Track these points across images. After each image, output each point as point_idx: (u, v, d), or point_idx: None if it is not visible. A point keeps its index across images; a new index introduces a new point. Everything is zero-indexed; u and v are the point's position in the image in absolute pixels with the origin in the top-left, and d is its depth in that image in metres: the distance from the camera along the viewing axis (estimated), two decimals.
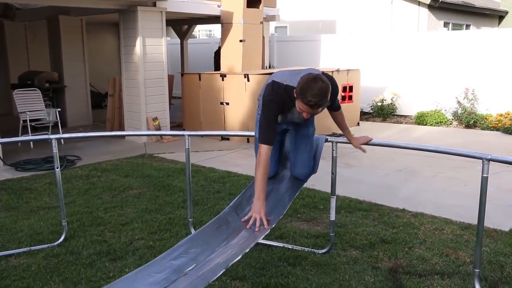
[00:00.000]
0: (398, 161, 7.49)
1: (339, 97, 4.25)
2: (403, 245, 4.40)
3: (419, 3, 14.25)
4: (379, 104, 11.60)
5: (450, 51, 11.06)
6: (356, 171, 7.06)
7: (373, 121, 11.42)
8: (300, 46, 13.39)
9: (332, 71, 9.83)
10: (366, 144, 3.96)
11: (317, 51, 12.97)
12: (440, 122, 10.75)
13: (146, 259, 4.16)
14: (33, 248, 4.48)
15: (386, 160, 7.52)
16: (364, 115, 11.70)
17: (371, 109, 11.80)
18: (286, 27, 17.27)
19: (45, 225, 5.06)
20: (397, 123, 11.24)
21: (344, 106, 10.03)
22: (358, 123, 10.75)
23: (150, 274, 2.85)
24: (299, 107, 3.23)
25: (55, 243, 4.57)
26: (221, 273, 2.79)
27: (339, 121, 3.96)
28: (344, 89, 10.17)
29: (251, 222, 3.26)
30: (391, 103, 11.60)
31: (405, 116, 11.65)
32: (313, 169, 3.96)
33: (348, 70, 10.26)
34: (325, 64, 12.64)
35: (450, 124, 10.78)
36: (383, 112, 11.56)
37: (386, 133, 9.96)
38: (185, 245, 3.18)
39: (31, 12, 11.33)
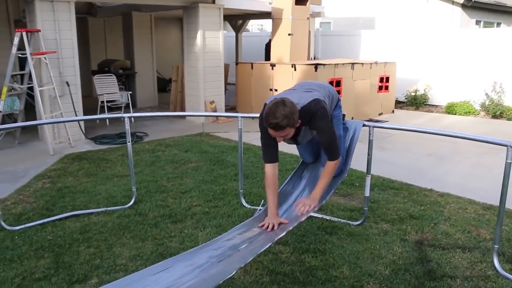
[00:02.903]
0: (428, 146, 7.33)
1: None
2: (429, 221, 4.34)
3: (453, 2, 13.74)
4: (413, 94, 11.34)
5: (480, 47, 10.64)
6: (389, 154, 6.97)
7: (407, 110, 11.18)
8: (342, 40, 13.18)
9: (371, 64, 9.68)
10: (303, 212, 3.21)
11: (357, 45, 12.74)
12: (469, 112, 10.42)
13: (202, 223, 4.27)
14: (109, 208, 4.65)
15: (417, 145, 7.38)
16: (399, 104, 11.47)
17: (405, 98, 11.55)
18: (330, 23, 16.98)
19: (118, 190, 5.22)
20: (429, 112, 10.95)
21: (381, 95, 10.00)
22: (393, 111, 10.56)
23: (208, 250, 2.88)
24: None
25: (126, 206, 4.72)
26: (268, 246, 2.82)
27: (322, 172, 3.36)
28: (381, 79, 10.00)
29: (266, 225, 3.11)
30: (424, 94, 11.32)
31: (436, 106, 11.35)
32: (342, 170, 3.72)
33: (385, 63, 10.07)
34: (364, 57, 12.42)
35: (478, 114, 10.44)
36: (416, 102, 11.29)
37: (418, 120, 9.74)
38: (240, 229, 3.20)
39: (110, 9, 11.58)
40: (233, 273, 2.48)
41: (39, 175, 5.86)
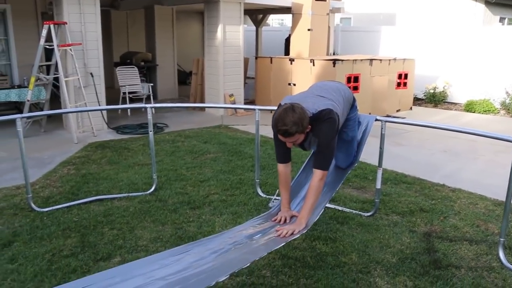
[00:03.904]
0: (444, 143, 7.41)
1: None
2: (439, 215, 4.45)
3: None
4: (432, 91, 11.38)
5: (503, 45, 10.61)
6: (405, 149, 7.08)
7: (425, 107, 11.23)
8: (362, 36, 13.25)
9: (389, 60, 9.77)
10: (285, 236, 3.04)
11: (377, 41, 12.79)
12: (488, 110, 10.43)
13: (219, 210, 4.48)
14: (130, 194, 4.89)
15: (433, 142, 7.47)
16: (417, 101, 11.52)
17: (424, 95, 11.59)
18: (350, 18, 17.02)
19: (140, 178, 5.46)
20: (447, 109, 10.99)
21: (399, 92, 10.09)
22: (411, 108, 10.62)
23: (224, 238, 3.03)
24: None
25: (147, 192, 4.94)
26: (282, 244, 2.94)
27: (307, 192, 3.20)
28: (400, 76, 10.08)
29: (279, 219, 3.26)
30: (443, 91, 11.35)
31: (455, 104, 11.37)
32: (353, 161, 3.84)
33: (404, 59, 10.13)
34: (383, 53, 12.48)
35: (498, 112, 10.44)
36: (435, 99, 11.33)
37: (436, 117, 9.80)
38: (254, 222, 3.35)
39: (132, 2, 11.82)
40: (247, 264, 2.64)
41: (65, 162, 6.15)
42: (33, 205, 4.45)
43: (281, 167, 3.31)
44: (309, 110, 3.02)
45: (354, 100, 3.65)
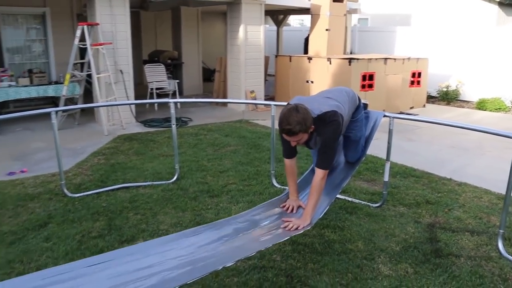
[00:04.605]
0: (452, 139, 7.37)
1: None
2: (444, 207, 4.46)
3: (490, 0, 13.44)
4: (444, 89, 11.25)
5: None
6: (415, 145, 7.07)
7: (438, 104, 11.11)
8: (378, 36, 13.16)
9: (403, 59, 9.72)
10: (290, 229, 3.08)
11: (392, 41, 12.70)
12: (499, 108, 10.27)
13: (236, 199, 4.58)
14: (154, 183, 5.04)
15: (442, 138, 7.43)
16: (431, 99, 11.41)
17: (437, 93, 11.46)
18: (367, 19, 16.92)
19: (164, 168, 5.60)
20: (460, 107, 10.85)
21: (412, 90, 10.03)
22: (424, 105, 10.54)
23: (235, 223, 3.12)
24: None
25: (170, 181, 5.08)
26: (286, 238, 3.03)
27: (310, 190, 3.20)
28: (413, 75, 10.01)
29: (287, 207, 3.33)
30: (455, 89, 11.21)
31: (467, 102, 11.23)
32: (361, 156, 3.87)
33: (418, 58, 10.05)
34: (398, 52, 12.39)
35: (509, 111, 10.26)
36: (447, 97, 11.21)
37: (448, 114, 9.71)
38: (264, 207, 3.42)
39: (160, 4, 11.88)
40: (253, 253, 2.74)
41: (95, 152, 6.34)
42: (66, 191, 4.63)
43: (287, 161, 3.39)
44: (314, 111, 3.04)
45: (359, 100, 3.66)
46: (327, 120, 3.07)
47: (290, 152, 3.34)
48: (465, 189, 5.03)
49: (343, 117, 3.18)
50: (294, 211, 3.30)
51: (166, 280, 2.32)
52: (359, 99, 3.68)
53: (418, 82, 10.15)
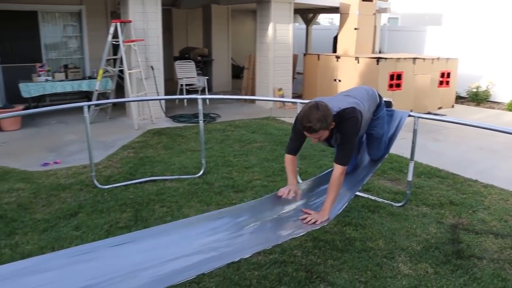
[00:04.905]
0: (481, 140, 7.18)
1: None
2: (468, 208, 4.38)
3: None
4: (474, 90, 10.99)
5: None
6: (441, 145, 6.95)
7: (467, 105, 10.85)
8: (408, 35, 12.95)
9: (432, 59, 9.54)
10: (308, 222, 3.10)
11: (422, 40, 12.47)
12: None
13: (260, 194, 4.59)
14: (181, 176, 5.12)
15: (470, 139, 7.26)
16: (460, 99, 11.16)
17: (467, 94, 11.20)
18: (397, 18, 16.65)
19: (190, 162, 5.67)
20: (490, 108, 10.57)
21: (441, 90, 9.85)
22: (453, 106, 10.33)
23: (255, 214, 3.14)
24: None
25: (196, 175, 5.15)
26: (303, 234, 3.03)
27: (329, 186, 3.19)
28: (442, 75, 9.82)
29: (285, 191, 3.14)
30: (486, 90, 10.93)
31: (498, 103, 10.93)
32: (384, 153, 3.85)
33: (447, 58, 9.85)
34: (428, 52, 12.15)
35: None
36: (477, 98, 10.94)
37: (477, 116, 9.49)
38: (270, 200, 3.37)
39: (191, 2, 12.05)
40: (270, 247, 2.79)
41: (125, 146, 6.48)
42: (96, 182, 4.76)
43: (288, 157, 3.30)
44: (333, 108, 3.04)
45: (380, 98, 3.64)
46: (346, 116, 3.07)
47: (295, 149, 3.29)
48: (491, 191, 4.91)
49: (362, 113, 3.17)
50: (291, 195, 3.13)
51: (185, 267, 2.37)
52: (380, 97, 3.65)
53: (447, 82, 9.95)
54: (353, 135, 3.13)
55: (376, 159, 3.89)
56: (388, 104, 4.04)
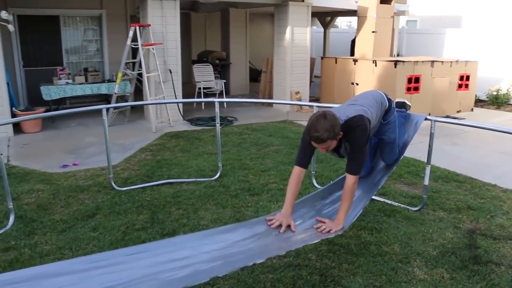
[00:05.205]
0: (501, 144, 7.07)
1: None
2: (486, 213, 4.32)
3: None
4: (494, 93, 10.81)
5: None
6: (460, 149, 6.86)
7: (487, 108, 10.69)
8: (426, 38, 12.81)
9: (451, 62, 9.43)
10: (322, 232, 3.06)
11: (441, 43, 12.32)
12: None
13: (276, 197, 4.62)
14: (198, 179, 5.16)
15: (489, 143, 7.16)
16: (479, 102, 10.99)
17: (486, 97, 11.04)
18: (416, 21, 16.48)
19: (207, 165, 5.71)
20: (510, 111, 10.40)
21: (460, 93, 9.73)
22: (472, 109, 10.19)
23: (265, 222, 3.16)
24: None
25: (213, 178, 5.18)
26: (317, 241, 3.04)
27: (342, 195, 3.15)
28: (461, 78, 9.69)
29: (275, 224, 3.04)
30: (506, 93, 10.73)
31: None
32: (398, 158, 3.76)
33: (467, 61, 9.72)
34: (447, 55, 12.00)
35: None
36: (498, 101, 10.75)
37: (497, 119, 9.35)
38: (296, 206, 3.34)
39: (210, 6, 12.14)
40: (283, 253, 2.80)
41: (143, 148, 6.55)
42: (113, 184, 4.83)
43: (297, 170, 3.13)
44: (341, 117, 3.01)
45: (390, 102, 3.56)
46: (354, 124, 3.03)
47: (305, 160, 3.14)
48: (510, 196, 4.84)
49: (370, 120, 3.13)
50: (281, 231, 2.99)
51: (198, 271, 2.41)
52: (390, 100, 3.59)
53: (466, 86, 9.82)
54: (363, 143, 3.09)
55: (391, 163, 3.85)
56: (402, 104, 3.99)
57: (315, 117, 2.90)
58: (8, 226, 3.90)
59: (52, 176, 5.29)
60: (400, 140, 3.80)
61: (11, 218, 3.99)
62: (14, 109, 7.64)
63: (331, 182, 3.95)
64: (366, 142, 3.14)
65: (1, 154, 3.87)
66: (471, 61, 9.81)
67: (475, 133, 7.67)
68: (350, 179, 3.08)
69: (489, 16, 13.84)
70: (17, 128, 7.47)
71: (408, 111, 4.05)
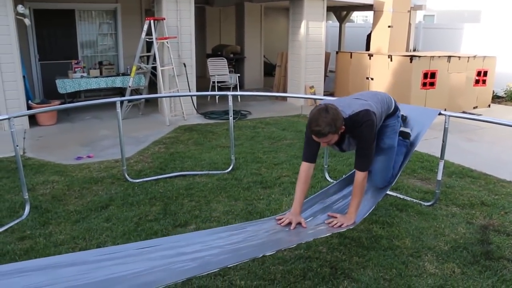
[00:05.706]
0: None
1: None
2: (500, 209, 4.29)
3: None
4: None
5: None
6: (475, 145, 6.80)
7: (505, 105, 10.54)
8: (444, 33, 12.66)
9: (468, 57, 9.33)
10: (333, 226, 3.07)
11: (459, 38, 12.15)
12: None
13: (288, 190, 4.64)
14: (210, 172, 5.21)
15: (506, 139, 7.06)
16: (497, 99, 10.84)
17: (504, 93, 10.88)
18: (433, 15, 16.28)
19: (220, 158, 5.76)
20: None
21: (477, 89, 9.62)
22: (489, 105, 10.06)
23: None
24: None
25: (225, 171, 5.23)
26: (327, 235, 3.08)
27: (353, 190, 3.14)
28: (479, 73, 9.57)
29: (283, 220, 3.07)
30: None
31: None
32: (390, 180, 3.55)
33: (484, 57, 9.59)
34: (465, 50, 11.85)
35: None
36: None
37: None
38: (306, 203, 3.41)
39: (225, 0, 12.24)
40: (294, 245, 2.84)
41: (157, 141, 6.63)
42: (127, 176, 4.91)
43: (304, 166, 3.10)
44: (345, 111, 2.96)
45: (396, 107, 3.46)
46: (360, 120, 2.98)
47: (312, 154, 3.10)
48: None
49: (376, 114, 3.07)
50: (292, 227, 3.01)
51: (208, 263, 2.45)
52: (397, 107, 3.49)
53: (484, 81, 9.70)
54: (371, 139, 3.05)
55: (381, 186, 3.55)
56: (404, 119, 3.85)
57: (317, 111, 2.85)
58: (24, 216, 4.00)
59: (66, 168, 5.39)
60: (396, 164, 3.58)
61: (27, 208, 4.09)
62: (30, 102, 7.77)
63: (344, 176, 3.96)
64: (374, 137, 3.10)
65: (17, 146, 3.95)
66: (489, 57, 9.69)
67: (492, 129, 7.59)
68: (359, 175, 3.08)
69: (509, 10, 13.61)
70: (33, 120, 7.60)
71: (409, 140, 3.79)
